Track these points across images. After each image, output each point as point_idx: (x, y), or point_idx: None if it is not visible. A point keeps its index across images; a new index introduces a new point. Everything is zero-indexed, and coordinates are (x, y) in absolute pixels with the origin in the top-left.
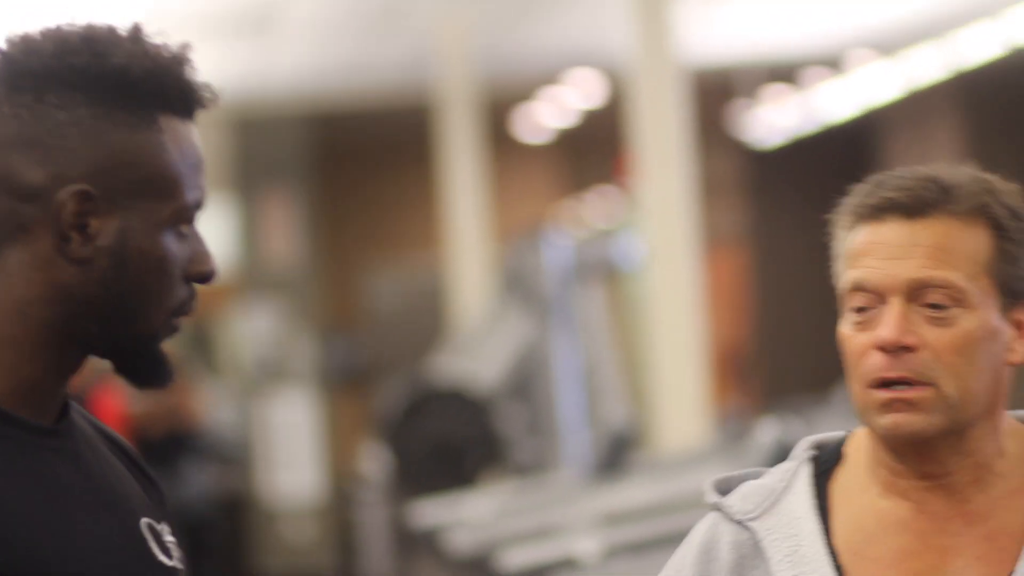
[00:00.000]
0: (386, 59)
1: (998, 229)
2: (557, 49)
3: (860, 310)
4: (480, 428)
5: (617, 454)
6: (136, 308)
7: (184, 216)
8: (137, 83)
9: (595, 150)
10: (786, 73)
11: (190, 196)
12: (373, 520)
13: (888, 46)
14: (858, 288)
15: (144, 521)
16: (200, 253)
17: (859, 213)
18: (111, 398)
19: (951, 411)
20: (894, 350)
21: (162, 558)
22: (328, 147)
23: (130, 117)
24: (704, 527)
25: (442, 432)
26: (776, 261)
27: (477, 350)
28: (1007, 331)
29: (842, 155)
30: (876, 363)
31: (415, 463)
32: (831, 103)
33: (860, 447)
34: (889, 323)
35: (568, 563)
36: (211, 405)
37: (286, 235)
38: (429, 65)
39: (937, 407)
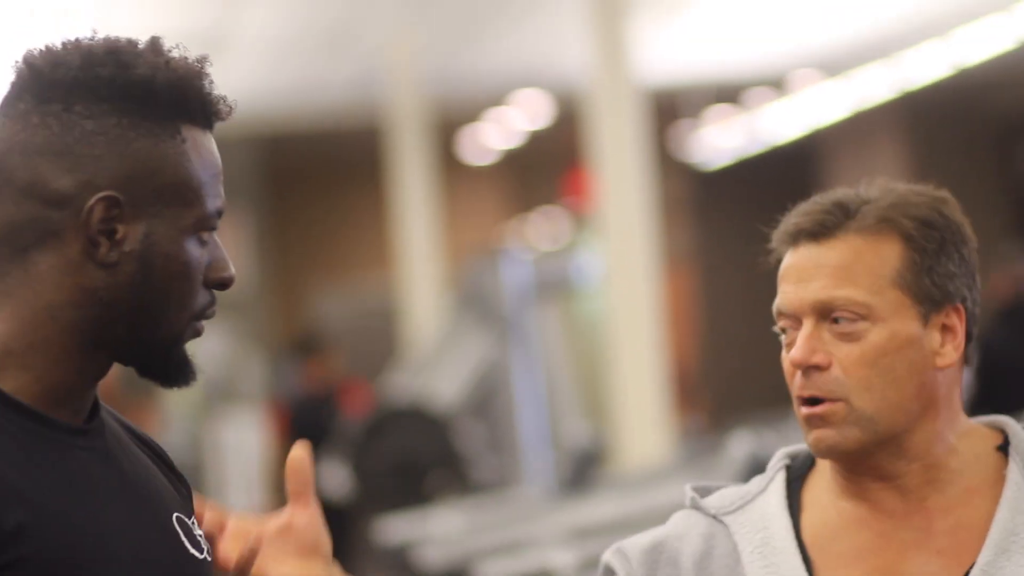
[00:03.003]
0: (336, 80)
1: (907, 240)
2: (503, 70)
3: (785, 332)
4: (440, 446)
5: (583, 470)
6: (160, 311)
7: (206, 223)
8: (161, 94)
9: (540, 171)
10: (731, 94)
11: (211, 204)
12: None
13: (833, 66)
14: (779, 313)
15: (175, 516)
16: (220, 260)
17: (780, 240)
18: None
19: (868, 423)
20: (805, 369)
21: (193, 551)
22: (278, 168)
23: (154, 127)
24: (678, 518)
25: (403, 450)
26: (722, 281)
27: (436, 368)
28: (932, 337)
29: (787, 176)
30: (796, 382)
31: (376, 481)
32: (776, 124)
33: None
34: (798, 345)
35: (545, 575)
36: (163, 426)
37: (236, 256)
38: (379, 86)
39: (849, 420)
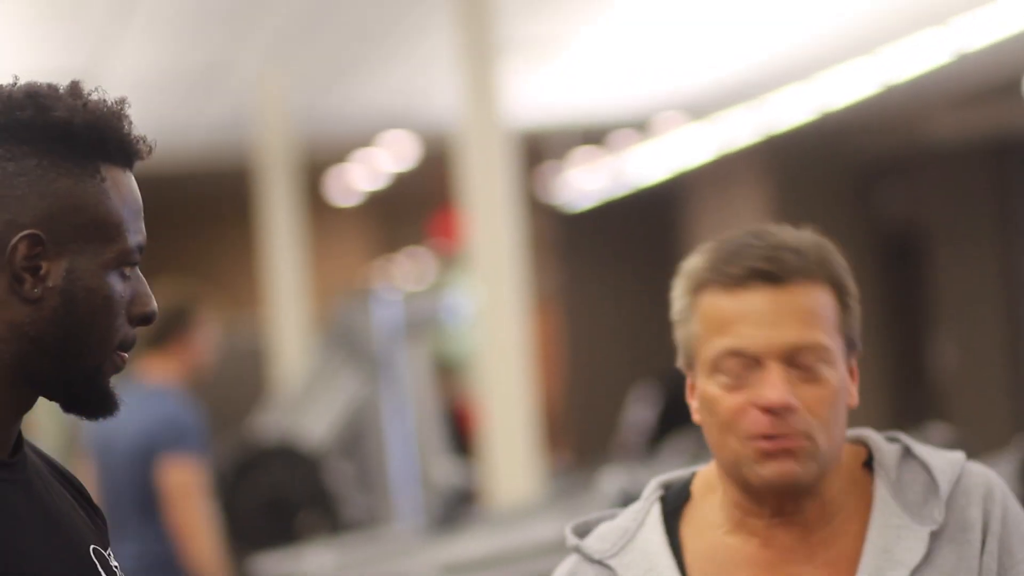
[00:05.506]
0: (204, 120)
1: (837, 287)
2: (371, 112)
3: (723, 374)
4: (311, 484)
5: (453, 508)
6: (83, 343)
7: (127, 258)
8: (79, 135)
9: (406, 212)
10: (596, 136)
11: (132, 239)
12: None
13: (697, 109)
14: (734, 354)
15: (92, 547)
16: (142, 295)
17: (714, 280)
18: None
19: (823, 459)
20: (780, 411)
21: None
22: (146, 208)
23: (74, 167)
24: (565, 569)
25: (273, 488)
26: (586, 320)
27: (305, 407)
28: (848, 379)
29: (651, 218)
30: (759, 421)
31: (246, 520)
32: (640, 166)
33: (707, 485)
34: (776, 387)
35: None
36: None
37: None
38: (246, 126)
39: (813, 456)
